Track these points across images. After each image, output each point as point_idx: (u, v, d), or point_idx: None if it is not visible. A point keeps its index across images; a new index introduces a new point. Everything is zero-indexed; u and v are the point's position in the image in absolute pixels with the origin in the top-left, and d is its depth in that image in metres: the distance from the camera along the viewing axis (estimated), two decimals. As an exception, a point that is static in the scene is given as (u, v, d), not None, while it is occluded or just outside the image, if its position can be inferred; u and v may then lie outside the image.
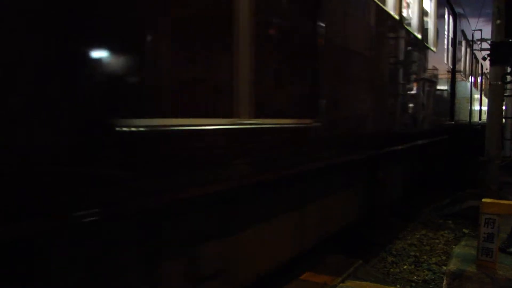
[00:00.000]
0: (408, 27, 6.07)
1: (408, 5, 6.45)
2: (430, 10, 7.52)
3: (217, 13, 2.35)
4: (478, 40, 17.39)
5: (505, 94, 8.27)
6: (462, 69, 11.11)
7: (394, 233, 6.21)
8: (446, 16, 8.83)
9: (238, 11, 2.43)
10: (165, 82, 2.01)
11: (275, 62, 2.94)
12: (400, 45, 5.82)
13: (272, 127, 2.88)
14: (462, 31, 10.90)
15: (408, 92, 6.33)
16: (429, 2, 7.36)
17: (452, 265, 4.34)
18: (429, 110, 7.52)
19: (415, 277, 4.75)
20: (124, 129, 1.76)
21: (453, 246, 5.61)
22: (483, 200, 4.32)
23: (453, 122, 10.02)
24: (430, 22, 7.52)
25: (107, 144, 1.71)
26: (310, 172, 3.69)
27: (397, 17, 5.50)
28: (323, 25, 3.45)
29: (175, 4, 2.09)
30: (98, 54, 1.69)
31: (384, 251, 5.47)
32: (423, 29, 6.87)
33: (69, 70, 1.57)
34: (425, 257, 5.35)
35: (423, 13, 6.82)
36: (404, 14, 6.06)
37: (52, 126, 1.52)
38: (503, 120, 10.01)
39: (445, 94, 9.09)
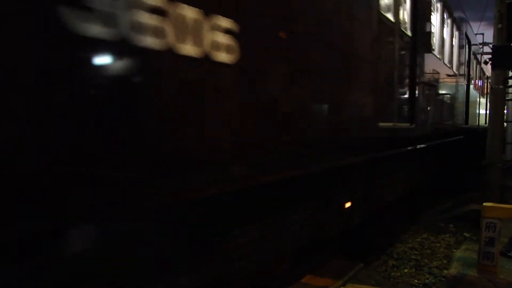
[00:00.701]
0: (448, 64, 9.08)
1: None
2: (456, 46, 10.28)
3: None
4: (480, 44, 17.41)
5: (506, 98, 8.26)
6: (473, 82, 13.64)
7: (396, 236, 6.22)
8: (465, 46, 11.69)
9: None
10: None
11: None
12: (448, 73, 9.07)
13: (399, 127, 5.49)
14: (474, 54, 13.44)
15: (450, 101, 9.27)
16: (456, 40, 10.16)
17: (453, 269, 4.34)
18: (457, 114, 10.11)
19: (416, 280, 4.75)
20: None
21: (454, 250, 5.61)
22: (484, 204, 4.32)
23: (468, 125, 11.84)
24: (457, 54, 10.28)
25: None
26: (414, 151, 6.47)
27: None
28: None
29: None
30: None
31: (385, 254, 5.48)
32: (458, 63, 10.39)
33: None
34: (426, 260, 5.35)
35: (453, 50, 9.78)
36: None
37: None
38: (505, 124, 10.07)
39: (463, 102, 11.27)
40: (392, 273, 4.93)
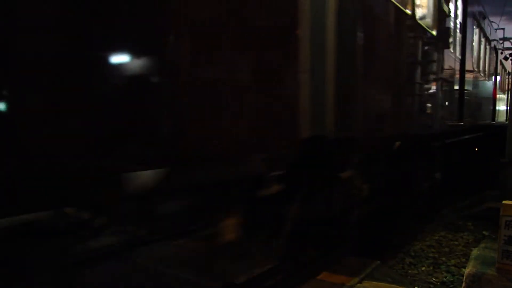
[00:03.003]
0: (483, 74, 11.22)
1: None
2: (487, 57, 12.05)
3: None
4: (500, 39, 17.08)
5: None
6: (500, 84, 15.43)
7: (413, 234, 6.17)
8: (494, 56, 13.25)
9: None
10: None
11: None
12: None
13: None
14: (501, 61, 14.71)
15: (481, 101, 11.28)
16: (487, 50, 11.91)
17: (472, 268, 4.29)
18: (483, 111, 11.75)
19: (433, 279, 4.72)
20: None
21: (473, 248, 5.54)
22: (504, 202, 4.26)
23: (494, 122, 13.38)
24: (488, 60, 11.98)
25: None
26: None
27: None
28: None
29: None
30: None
31: (402, 252, 5.44)
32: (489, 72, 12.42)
33: None
34: (443, 258, 5.31)
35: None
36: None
37: None
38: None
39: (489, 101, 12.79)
40: (409, 271, 4.90)
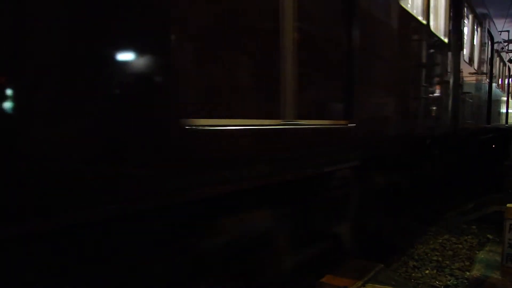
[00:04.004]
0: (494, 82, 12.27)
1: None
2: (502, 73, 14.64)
3: None
4: (505, 41, 17.04)
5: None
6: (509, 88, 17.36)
7: (416, 237, 6.15)
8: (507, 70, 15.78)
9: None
10: None
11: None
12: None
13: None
14: (509, 68, 16.41)
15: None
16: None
17: (476, 271, 4.28)
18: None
19: (437, 282, 4.70)
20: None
21: (477, 252, 5.53)
22: (508, 205, 4.25)
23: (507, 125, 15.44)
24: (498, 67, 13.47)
25: None
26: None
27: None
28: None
29: None
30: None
31: (405, 255, 5.43)
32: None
33: None
34: (447, 262, 5.29)
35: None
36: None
37: None
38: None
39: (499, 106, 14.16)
40: (413, 274, 4.88)
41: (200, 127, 1.95)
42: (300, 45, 2.72)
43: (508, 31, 20.26)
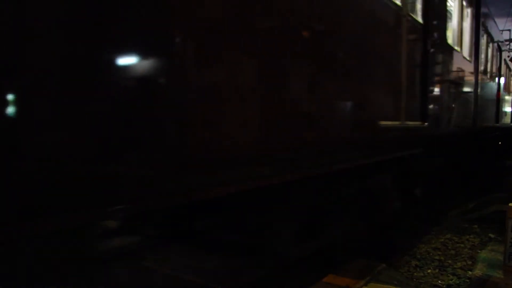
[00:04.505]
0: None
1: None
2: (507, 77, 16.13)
3: None
4: (506, 40, 17.04)
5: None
6: None
7: (418, 237, 6.15)
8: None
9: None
10: None
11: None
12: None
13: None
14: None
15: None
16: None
17: (478, 270, 4.28)
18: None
19: (439, 281, 4.70)
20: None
21: (479, 251, 5.53)
22: (510, 204, 4.24)
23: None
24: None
25: None
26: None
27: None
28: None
29: None
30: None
31: (408, 254, 5.42)
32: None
33: None
34: (449, 261, 5.28)
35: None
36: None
37: None
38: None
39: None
40: (415, 274, 4.88)
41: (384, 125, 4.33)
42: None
43: (509, 30, 20.23)
